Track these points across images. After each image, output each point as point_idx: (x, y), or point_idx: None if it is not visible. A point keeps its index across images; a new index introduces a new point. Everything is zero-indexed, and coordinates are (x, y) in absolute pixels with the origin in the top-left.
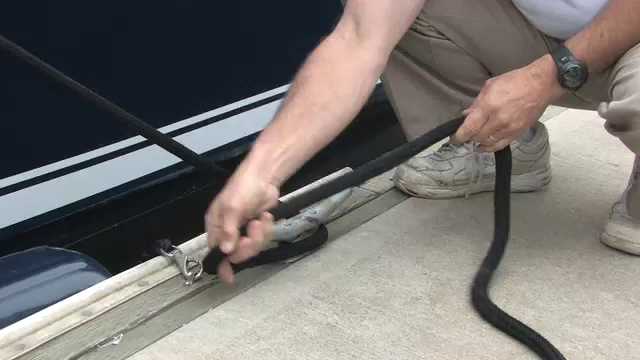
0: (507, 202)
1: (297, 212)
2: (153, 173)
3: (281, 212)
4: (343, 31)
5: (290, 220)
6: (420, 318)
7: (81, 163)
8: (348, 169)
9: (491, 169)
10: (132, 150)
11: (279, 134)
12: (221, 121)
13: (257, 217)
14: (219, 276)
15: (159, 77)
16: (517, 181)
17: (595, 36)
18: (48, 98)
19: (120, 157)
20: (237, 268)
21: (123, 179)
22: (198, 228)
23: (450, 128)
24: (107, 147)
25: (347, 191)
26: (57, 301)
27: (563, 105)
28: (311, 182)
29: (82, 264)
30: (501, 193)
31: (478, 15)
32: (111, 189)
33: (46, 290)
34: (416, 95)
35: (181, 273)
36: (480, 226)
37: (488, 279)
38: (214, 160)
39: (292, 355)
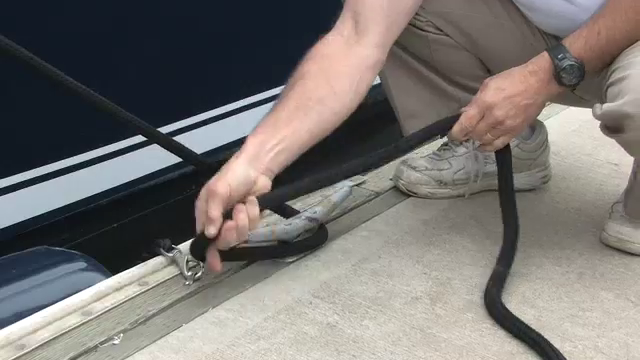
0: (512, 201)
1: (284, 202)
2: (153, 173)
3: (267, 200)
4: (342, 28)
5: (290, 220)
6: (420, 318)
7: (80, 163)
8: None
9: (491, 167)
10: (132, 150)
11: (274, 126)
12: (220, 121)
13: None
14: (207, 263)
15: (159, 77)
16: (517, 179)
17: (592, 34)
18: (48, 98)
19: (120, 157)
20: (235, 257)
21: (123, 179)
22: (196, 255)
23: (446, 124)
24: (107, 147)
25: (347, 191)
26: (57, 301)
27: (562, 103)
28: None
29: (82, 264)
30: (505, 193)
31: (477, 11)
32: (111, 189)
33: (46, 290)
34: (414, 91)
35: (181, 273)
36: (480, 226)
37: (503, 280)
38: (214, 160)
39: (292, 355)
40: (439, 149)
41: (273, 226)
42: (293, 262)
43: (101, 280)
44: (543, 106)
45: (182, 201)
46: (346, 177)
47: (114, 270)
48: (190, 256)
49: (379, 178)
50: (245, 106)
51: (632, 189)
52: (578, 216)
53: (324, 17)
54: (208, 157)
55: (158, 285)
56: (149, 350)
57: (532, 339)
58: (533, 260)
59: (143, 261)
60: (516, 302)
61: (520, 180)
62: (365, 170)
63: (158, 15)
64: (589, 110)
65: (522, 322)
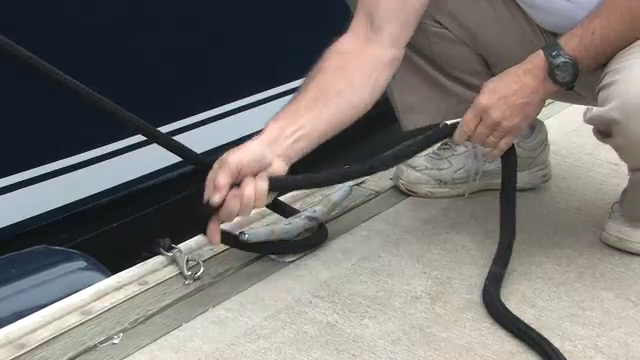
0: (513, 203)
1: (295, 189)
2: (153, 172)
3: (279, 182)
4: (357, 29)
5: (290, 219)
6: (420, 317)
7: (80, 163)
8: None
9: (490, 166)
10: (131, 149)
11: (294, 114)
12: (219, 121)
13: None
14: (206, 234)
15: (158, 76)
16: (517, 178)
17: (587, 33)
18: (47, 97)
19: (120, 156)
20: (237, 245)
21: (123, 178)
22: (198, 227)
23: (448, 130)
24: (107, 147)
25: (347, 190)
26: (57, 300)
27: (561, 100)
28: None
29: (82, 263)
30: (507, 193)
31: (477, 5)
32: (111, 188)
33: (46, 289)
34: (413, 85)
35: (181, 272)
36: (480, 225)
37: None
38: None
39: (292, 354)
40: (439, 148)
41: (273, 225)
42: (293, 261)
43: (101, 279)
44: (541, 105)
45: (182, 201)
46: (350, 179)
47: (114, 269)
48: (190, 255)
49: (379, 177)
50: (244, 106)
51: (626, 191)
52: (578, 215)
53: (324, 17)
54: (207, 157)
55: (158, 284)
56: (149, 349)
57: (532, 338)
58: (533, 259)
59: (143, 260)
60: (516, 301)
61: (520, 179)
62: (369, 174)
63: (158, 15)
64: None
65: (522, 321)
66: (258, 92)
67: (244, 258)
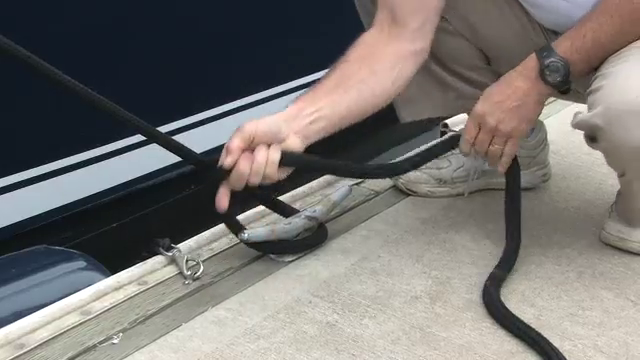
0: (518, 219)
1: (306, 167)
2: (152, 172)
3: (292, 157)
4: (381, 23)
5: (290, 219)
6: (420, 317)
7: (79, 163)
8: None
9: (488, 165)
10: (131, 149)
11: (313, 97)
12: (218, 120)
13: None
14: (216, 199)
15: (157, 76)
16: None
17: (578, 36)
18: (47, 97)
19: (119, 156)
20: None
21: (123, 178)
22: (197, 227)
23: (453, 141)
24: (106, 146)
25: (347, 190)
26: (56, 300)
27: (563, 98)
28: (311, 182)
29: (81, 263)
30: (511, 210)
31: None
32: (111, 188)
33: (45, 289)
34: (413, 78)
35: (180, 272)
36: (480, 224)
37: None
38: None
39: (292, 354)
40: None
41: (273, 225)
42: (292, 261)
43: (100, 279)
44: (538, 107)
45: (181, 200)
46: (372, 177)
47: (113, 269)
48: (189, 255)
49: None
50: (243, 106)
51: (619, 195)
52: (578, 215)
53: (324, 17)
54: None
55: (157, 284)
56: (148, 349)
57: (532, 338)
58: (533, 259)
59: (142, 260)
60: (516, 301)
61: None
62: (372, 178)
63: (157, 14)
64: None
65: (522, 321)
66: (257, 92)
67: (244, 258)
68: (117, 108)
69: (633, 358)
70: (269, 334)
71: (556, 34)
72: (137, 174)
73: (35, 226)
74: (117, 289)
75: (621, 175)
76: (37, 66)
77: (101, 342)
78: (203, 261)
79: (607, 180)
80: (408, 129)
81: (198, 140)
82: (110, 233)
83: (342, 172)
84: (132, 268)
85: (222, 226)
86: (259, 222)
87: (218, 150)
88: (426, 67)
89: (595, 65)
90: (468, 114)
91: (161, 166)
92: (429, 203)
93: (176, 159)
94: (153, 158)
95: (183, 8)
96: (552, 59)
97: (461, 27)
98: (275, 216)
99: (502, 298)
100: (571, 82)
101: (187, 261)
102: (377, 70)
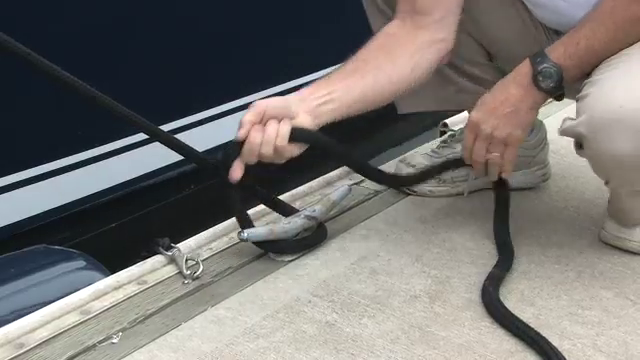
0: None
1: (315, 143)
2: (151, 172)
3: (301, 132)
4: (403, 15)
5: (289, 218)
6: (419, 316)
7: (78, 162)
8: (347, 168)
9: None
10: (130, 149)
11: (327, 82)
12: (217, 120)
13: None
14: (230, 171)
15: (158, 75)
16: (516, 177)
17: (572, 42)
18: (46, 97)
19: (120, 155)
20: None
21: (122, 178)
22: (197, 227)
23: (458, 161)
24: (106, 146)
25: (346, 189)
26: (56, 300)
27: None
28: (311, 181)
29: (81, 263)
30: (499, 228)
31: None
32: (111, 188)
33: (45, 289)
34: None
35: (180, 272)
36: (479, 224)
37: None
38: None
39: (291, 353)
40: (438, 146)
41: (272, 225)
42: (292, 261)
43: (100, 279)
44: (532, 113)
45: (181, 200)
46: (372, 180)
47: (113, 269)
48: (189, 255)
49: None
50: (242, 106)
51: (609, 201)
52: (577, 214)
53: (323, 16)
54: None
55: (157, 284)
56: (148, 349)
57: (531, 337)
58: (532, 258)
59: (142, 260)
60: (515, 300)
61: (519, 178)
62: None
63: (157, 13)
64: None
65: (521, 320)
66: (256, 92)
67: (243, 257)
68: (118, 106)
69: (632, 357)
70: (268, 333)
71: (558, 34)
72: (137, 173)
73: (34, 226)
74: (117, 288)
75: (606, 183)
76: (37, 63)
77: (101, 342)
78: (203, 261)
79: None
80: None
81: (198, 140)
82: (110, 233)
83: (345, 161)
84: (132, 268)
85: (222, 226)
86: (259, 221)
87: (218, 150)
88: None
89: (588, 71)
90: (468, 111)
91: (161, 165)
92: (429, 202)
93: (175, 158)
94: (152, 157)
95: (182, 8)
96: (545, 65)
97: (464, 22)
98: (275, 215)
99: (501, 297)
100: (564, 88)
101: (187, 260)
102: (395, 58)
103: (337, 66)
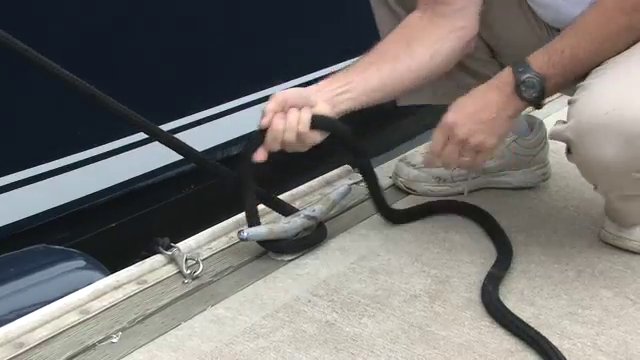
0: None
1: (333, 131)
2: (151, 171)
3: (321, 119)
4: (424, 6)
5: (289, 218)
6: (419, 316)
7: (78, 162)
8: (347, 167)
9: (488, 163)
10: (130, 149)
11: (345, 74)
12: (216, 120)
13: None
14: (254, 155)
15: (157, 75)
16: (516, 177)
17: (555, 51)
18: (46, 96)
19: (119, 155)
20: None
21: (122, 177)
22: (197, 226)
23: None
24: (105, 146)
25: (346, 189)
26: (55, 299)
27: (566, 94)
28: (310, 180)
29: (81, 262)
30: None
31: None
32: (110, 187)
33: (44, 288)
34: None
35: (180, 271)
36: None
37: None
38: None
39: (291, 353)
40: None
41: (272, 224)
42: (292, 260)
43: (100, 278)
44: (510, 122)
45: (181, 200)
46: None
47: (113, 268)
48: (189, 254)
49: (378, 175)
50: (241, 105)
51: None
52: (577, 214)
53: (323, 16)
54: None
55: (157, 283)
56: (147, 348)
57: (531, 337)
58: (532, 258)
59: (142, 259)
60: (515, 300)
61: (519, 177)
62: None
63: (157, 13)
64: None
65: (521, 320)
66: (255, 91)
67: (243, 257)
68: (119, 105)
69: (632, 357)
70: (268, 333)
71: (559, 32)
72: (136, 173)
73: (34, 225)
74: (116, 288)
75: (594, 188)
76: (36, 60)
77: (100, 341)
78: (202, 260)
79: None
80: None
81: (197, 139)
82: (109, 232)
83: (355, 153)
84: (131, 267)
85: (221, 225)
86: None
87: (218, 149)
88: None
89: (571, 80)
90: None
91: (160, 165)
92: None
93: (175, 158)
94: (152, 157)
95: (182, 7)
96: (528, 75)
97: None
98: (275, 215)
99: (501, 297)
100: (546, 97)
101: (186, 260)
102: (414, 46)
103: (355, 59)
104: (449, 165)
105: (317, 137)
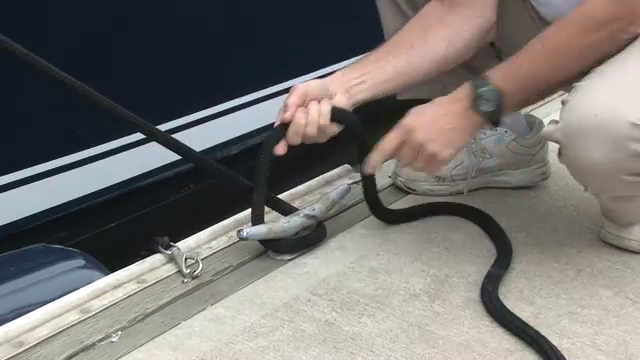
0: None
1: (351, 124)
2: (151, 171)
3: (340, 111)
4: None
5: (288, 217)
6: (418, 315)
7: (78, 161)
8: (346, 166)
9: (487, 163)
10: (129, 148)
11: (361, 64)
12: (215, 120)
13: None
14: (275, 148)
15: (156, 74)
16: (516, 176)
17: (514, 66)
18: (45, 96)
19: (118, 155)
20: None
21: (122, 177)
22: (196, 226)
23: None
24: (105, 145)
25: (346, 188)
26: (55, 298)
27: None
28: (310, 180)
29: (80, 261)
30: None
31: None
32: (110, 187)
33: (44, 287)
34: None
35: (179, 270)
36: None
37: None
38: (212, 157)
39: (290, 352)
40: None
41: (272, 224)
42: (291, 260)
43: (99, 278)
44: (468, 135)
45: (181, 199)
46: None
47: (112, 268)
48: (188, 254)
49: (377, 175)
50: (240, 105)
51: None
52: (577, 213)
53: (323, 16)
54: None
55: (156, 283)
56: (147, 348)
57: (530, 336)
58: (531, 257)
59: (141, 259)
60: (514, 299)
61: (519, 177)
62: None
63: (156, 13)
64: None
65: (520, 319)
66: (255, 91)
67: (242, 256)
68: (116, 106)
69: (632, 356)
70: (268, 332)
71: None
72: (136, 173)
73: (32, 225)
74: (116, 287)
75: (585, 190)
76: (35, 63)
77: (100, 340)
78: (202, 259)
79: None
80: None
81: (197, 140)
82: (109, 232)
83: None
84: (131, 266)
85: (221, 224)
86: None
87: (218, 148)
88: None
89: (533, 94)
90: None
91: (159, 165)
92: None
93: (174, 158)
94: (151, 157)
95: (182, 7)
96: (485, 88)
97: None
98: (274, 214)
99: (501, 296)
100: (503, 113)
101: (186, 259)
102: (430, 35)
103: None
104: (406, 164)
105: (335, 129)
